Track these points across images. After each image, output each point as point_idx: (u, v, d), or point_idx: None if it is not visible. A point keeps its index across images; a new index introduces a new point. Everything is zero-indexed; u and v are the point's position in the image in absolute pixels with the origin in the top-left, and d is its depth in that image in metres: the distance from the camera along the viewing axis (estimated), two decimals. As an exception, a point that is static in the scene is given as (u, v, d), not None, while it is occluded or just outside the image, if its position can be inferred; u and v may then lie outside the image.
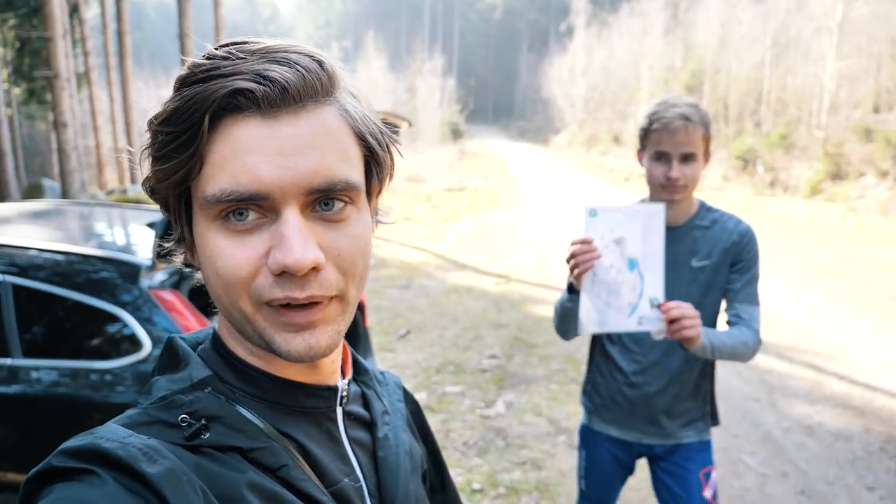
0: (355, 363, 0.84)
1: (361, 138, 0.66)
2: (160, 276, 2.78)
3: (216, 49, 0.62)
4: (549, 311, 7.76)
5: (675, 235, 2.05)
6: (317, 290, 0.62)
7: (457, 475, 4.05)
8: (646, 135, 2.01)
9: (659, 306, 1.78)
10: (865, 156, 19.85)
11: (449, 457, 4.29)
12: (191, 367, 0.67)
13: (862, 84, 24.54)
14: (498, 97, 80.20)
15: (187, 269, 0.72)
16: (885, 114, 22.97)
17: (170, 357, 0.69)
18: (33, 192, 14.16)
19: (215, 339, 0.72)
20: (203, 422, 0.61)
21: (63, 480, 0.53)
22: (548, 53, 56.57)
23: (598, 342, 2.27)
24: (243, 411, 0.65)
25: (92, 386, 2.64)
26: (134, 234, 3.35)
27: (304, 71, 0.60)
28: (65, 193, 12.21)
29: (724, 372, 5.73)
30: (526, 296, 8.48)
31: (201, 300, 2.96)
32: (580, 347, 6.47)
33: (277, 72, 0.59)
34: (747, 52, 29.79)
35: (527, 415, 4.93)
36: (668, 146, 1.93)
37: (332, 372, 0.75)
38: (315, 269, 0.61)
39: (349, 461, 0.74)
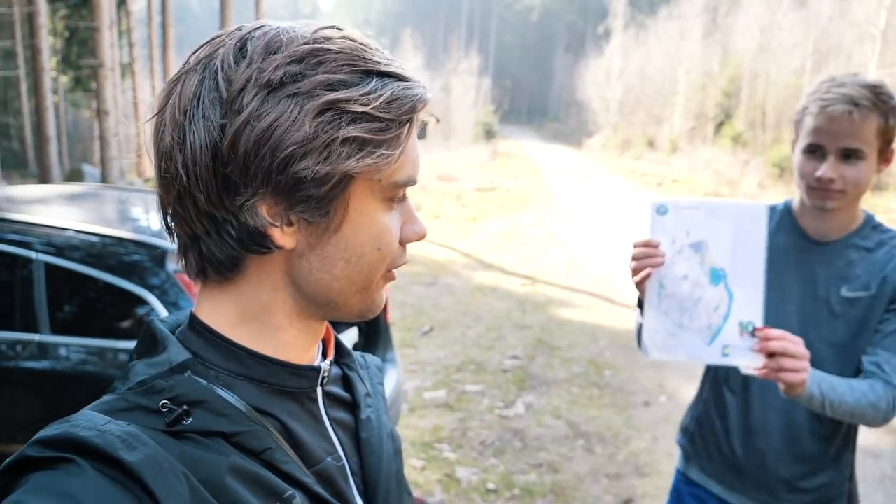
0: (338, 345, 0.84)
1: None
2: (186, 261, 2.85)
3: (354, 35, 0.67)
4: (573, 314, 7.73)
5: (824, 254, 1.63)
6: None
7: (472, 474, 4.06)
8: (800, 120, 1.60)
9: (753, 332, 1.38)
10: (908, 168, 19.35)
11: (465, 455, 4.30)
12: (169, 350, 0.66)
13: (907, 94, 23.87)
14: (532, 98, 79.92)
15: (225, 238, 0.65)
16: (930, 125, 22.34)
17: (148, 341, 0.68)
18: (74, 177, 14.53)
19: (193, 320, 0.70)
20: (185, 407, 0.61)
21: (39, 469, 0.53)
22: (584, 55, 56.22)
23: (710, 371, 1.87)
24: (224, 394, 0.64)
25: (118, 365, 2.71)
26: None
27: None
28: (104, 179, 12.50)
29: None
30: (551, 298, 8.44)
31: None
32: (603, 352, 6.43)
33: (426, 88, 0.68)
34: (787, 59, 29.24)
35: (546, 417, 4.92)
36: (823, 137, 1.51)
37: (317, 348, 0.77)
38: None
39: (331, 440, 0.74)
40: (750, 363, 1.38)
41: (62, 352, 2.75)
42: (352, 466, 0.75)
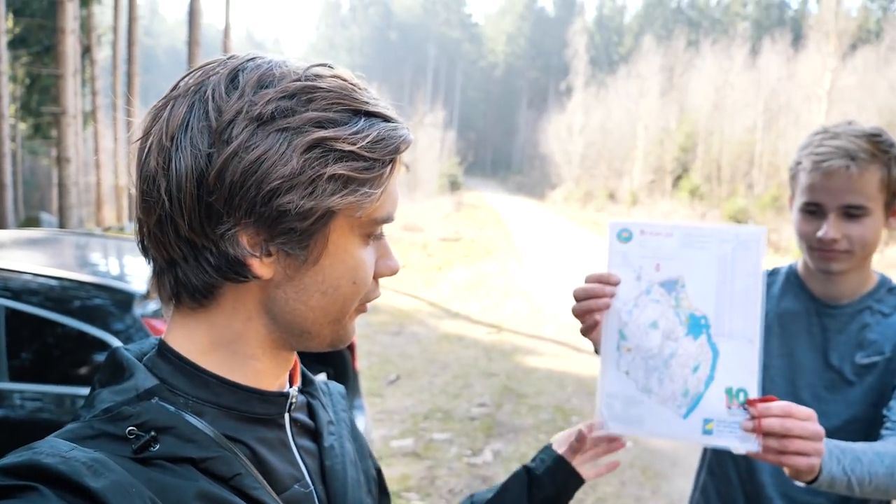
0: (302, 373, 0.85)
1: None
2: (153, 305, 2.81)
3: (340, 74, 0.68)
4: (539, 362, 7.75)
5: (836, 318, 1.48)
6: None
7: (441, 523, 3.98)
8: (794, 176, 1.46)
9: (746, 404, 1.03)
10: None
11: None
12: (136, 377, 0.65)
13: (852, 151, 25.01)
14: (497, 151, 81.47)
15: (202, 266, 0.65)
16: (875, 180, 23.36)
17: (112, 368, 0.67)
18: (31, 225, 14.22)
19: (163, 346, 0.70)
20: (152, 433, 0.60)
21: (3, 498, 0.51)
22: (546, 111, 57.75)
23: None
24: (193, 420, 0.64)
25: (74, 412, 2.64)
26: (129, 265, 3.38)
27: None
28: (62, 227, 12.26)
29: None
30: (517, 346, 8.46)
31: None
32: (570, 398, 6.44)
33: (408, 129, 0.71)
34: (740, 116, 30.51)
35: (514, 464, 4.87)
36: (820, 195, 1.37)
37: (285, 379, 0.77)
38: None
39: (299, 467, 0.74)
40: (742, 444, 1.02)
41: (19, 399, 2.66)
42: (319, 494, 0.75)
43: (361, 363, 7.25)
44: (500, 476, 4.65)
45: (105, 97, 20.27)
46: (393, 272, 0.75)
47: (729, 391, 1.04)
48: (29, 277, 2.81)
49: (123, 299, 2.75)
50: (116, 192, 20.01)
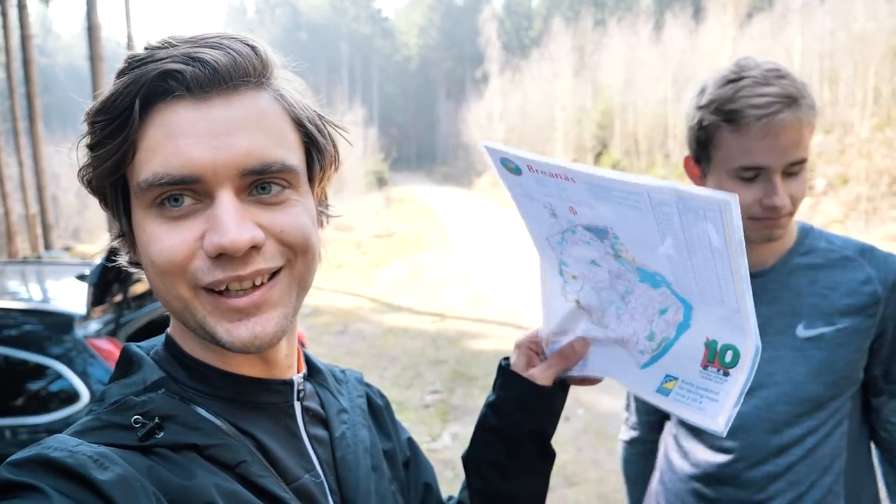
0: (308, 362, 0.83)
1: (299, 123, 0.67)
2: (95, 325, 2.74)
3: (150, 42, 0.64)
4: (485, 345, 7.88)
5: (763, 290, 1.25)
6: (262, 264, 0.62)
7: (408, 509, 4.04)
8: (709, 136, 1.19)
9: (728, 371, 0.72)
10: (767, 180, 21.20)
11: (422, 456, 4.29)
12: (144, 370, 0.66)
13: (757, 114, 26.29)
14: (420, 144, 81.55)
15: (134, 269, 0.71)
16: (779, 140, 24.62)
17: (123, 364, 0.68)
18: (-63, 264, 13.34)
19: (168, 340, 0.71)
20: (157, 421, 0.60)
21: (6, 499, 0.52)
22: (465, 100, 58.15)
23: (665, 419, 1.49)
24: (198, 409, 0.64)
25: (21, 444, 2.55)
26: (63, 288, 3.28)
27: (235, 53, 0.61)
28: (-27, 264, 11.58)
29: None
30: (462, 332, 8.58)
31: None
32: (519, 376, 6.60)
33: (208, 54, 0.60)
34: (651, 90, 31.55)
35: (472, 444, 4.98)
36: (767, 156, 1.12)
37: (288, 366, 0.74)
38: (255, 248, 0.61)
39: (309, 457, 0.73)
40: (706, 420, 0.74)
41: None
42: (330, 484, 0.73)
43: (309, 366, 7.20)
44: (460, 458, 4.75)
45: (3, 122, 19.20)
46: (217, 248, 0.59)
47: (711, 346, 0.73)
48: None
49: (63, 322, 2.68)
50: (28, 222, 19.01)
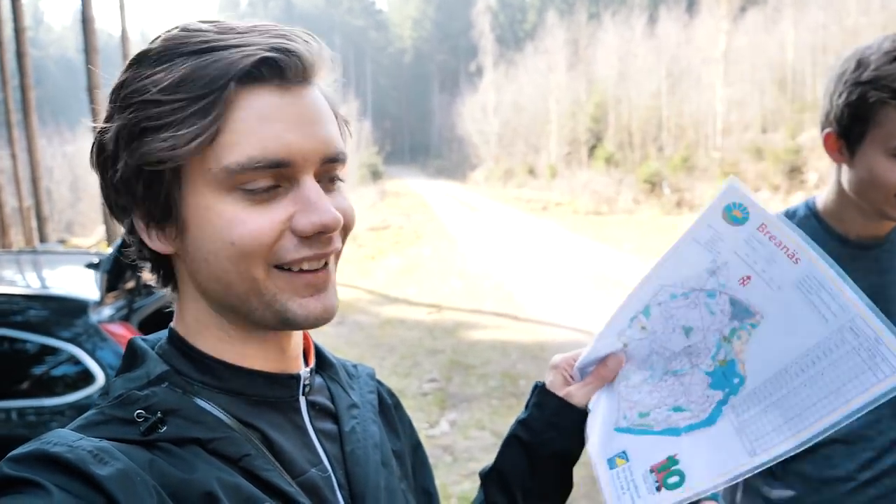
0: (319, 355, 0.82)
1: (338, 118, 0.71)
2: (108, 310, 2.83)
3: (199, 23, 0.64)
4: (482, 335, 8.00)
5: (876, 259, 1.30)
6: (337, 245, 0.67)
7: (409, 492, 4.16)
8: (868, 113, 1.17)
9: (658, 487, 0.78)
10: (759, 172, 21.42)
11: (425, 459, 4.40)
12: (147, 364, 0.66)
13: (749, 108, 26.46)
14: (414, 137, 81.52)
15: (141, 263, 0.71)
16: (771, 133, 24.85)
17: (129, 358, 0.68)
18: (-67, 257, 13.34)
19: (172, 334, 0.70)
20: (159, 415, 0.60)
21: (7, 494, 0.51)
22: (459, 93, 58.11)
23: None
24: (202, 403, 0.64)
25: (42, 426, 2.64)
26: (71, 276, 3.36)
27: (313, 49, 0.64)
28: (-30, 256, 11.59)
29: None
30: (459, 322, 8.69)
31: (151, 331, 3.02)
32: (515, 364, 6.71)
33: (296, 46, 0.62)
34: (645, 83, 31.65)
35: (471, 430, 5.09)
36: None
37: (295, 358, 0.74)
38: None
39: (316, 451, 0.71)
40: None
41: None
42: (339, 479, 0.72)
43: (308, 356, 7.30)
44: (459, 443, 4.86)
45: (-2, 114, 19.13)
46: (316, 227, 0.63)
47: (671, 461, 0.77)
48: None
49: (78, 307, 2.76)
50: (22, 214, 18.99)
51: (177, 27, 0.64)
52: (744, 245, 0.75)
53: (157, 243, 0.65)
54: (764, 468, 0.72)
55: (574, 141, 36.68)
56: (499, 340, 7.68)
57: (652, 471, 0.77)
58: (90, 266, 3.26)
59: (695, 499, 0.74)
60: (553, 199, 28.15)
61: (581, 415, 0.87)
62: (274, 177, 0.62)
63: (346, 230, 0.69)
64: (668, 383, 0.81)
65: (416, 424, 3.71)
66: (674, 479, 0.75)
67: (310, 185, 0.63)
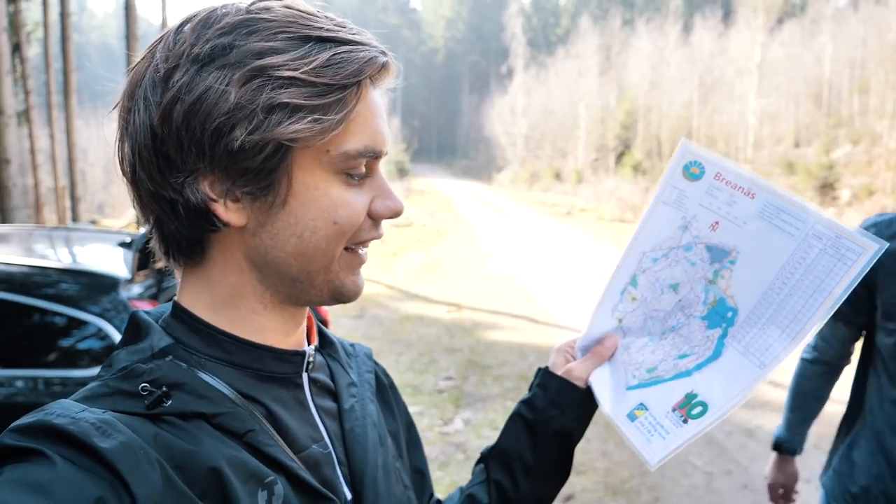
0: (321, 333, 0.83)
1: None
2: (138, 288, 2.91)
3: (303, 3, 0.66)
4: (500, 336, 8.01)
5: None
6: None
7: (420, 485, 4.19)
8: None
9: (684, 419, 0.81)
10: (790, 187, 21.09)
11: (419, 442, 4.44)
12: (151, 336, 0.65)
13: (782, 121, 26.10)
14: (441, 137, 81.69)
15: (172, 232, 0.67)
16: (804, 148, 24.48)
17: (132, 330, 0.67)
18: (-32, 232, 13.69)
19: (176, 306, 0.70)
20: (164, 389, 0.60)
21: (12, 462, 0.52)
22: (489, 94, 58.10)
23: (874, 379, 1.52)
24: (206, 377, 0.64)
25: (65, 396, 2.73)
26: (103, 253, 3.45)
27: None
28: (4, 232, 11.88)
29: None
30: (477, 322, 8.71)
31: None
32: (532, 367, 6.72)
33: (389, 51, 0.68)
34: (677, 92, 31.35)
35: (484, 429, 5.12)
36: None
37: (302, 334, 0.76)
38: None
39: (318, 428, 0.72)
40: (647, 454, 0.81)
41: (14, 384, 2.73)
42: (338, 455, 0.73)
43: (327, 347, 7.37)
44: (472, 442, 4.89)
45: (38, 96, 19.56)
46: (393, 213, 0.70)
47: (690, 396, 0.82)
48: (17, 269, 2.87)
49: (109, 283, 2.85)
50: (57, 194, 19.39)
51: (278, 1, 0.65)
52: (705, 196, 0.85)
53: (232, 214, 0.64)
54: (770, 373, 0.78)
55: (602, 147, 36.48)
56: (516, 342, 7.69)
57: (674, 409, 0.82)
58: (122, 245, 3.35)
59: (720, 420, 0.78)
60: (578, 204, 28.04)
61: (582, 394, 0.91)
62: (367, 165, 0.68)
63: None
64: (668, 339, 0.87)
65: (430, 421, 3.76)
66: (697, 410, 0.80)
67: (383, 174, 0.70)
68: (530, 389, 0.97)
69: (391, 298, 10.30)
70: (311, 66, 0.60)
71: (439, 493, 4.17)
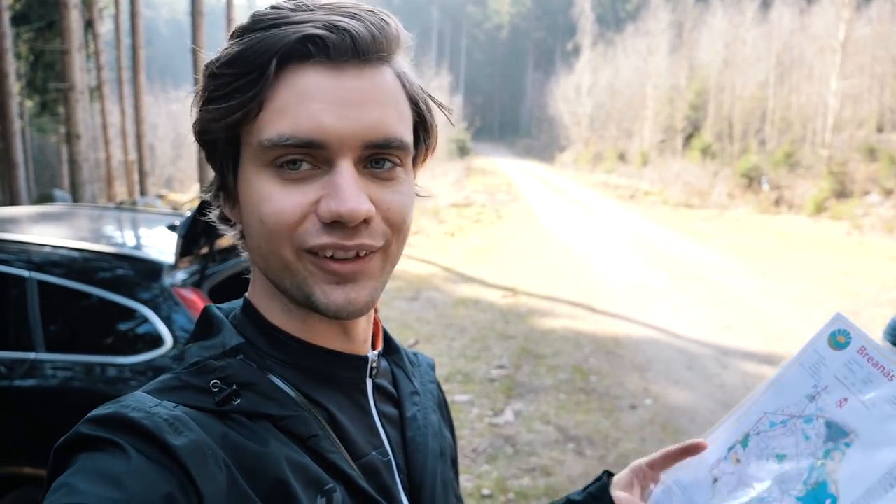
0: (387, 339, 0.82)
1: (414, 103, 0.68)
2: (182, 275, 2.85)
3: (286, 3, 0.64)
4: (556, 323, 7.81)
5: None
6: (367, 240, 0.62)
7: (466, 481, 4.08)
8: None
9: None
10: (870, 174, 19.91)
11: (459, 463, 4.33)
12: (223, 334, 0.66)
13: (865, 103, 24.67)
14: (504, 115, 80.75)
15: (222, 225, 0.71)
16: (888, 133, 23.07)
17: (204, 325, 0.69)
18: (45, 201, 14.31)
19: (246, 305, 0.71)
20: (234, 388, 0.61)
21: (88, 451, 0.53)
22: (554, 72, 56.97)
23: None
24: (275, 380, 0.64)
25: (109, 381, 2.70)
26: (154, 236, 3.43)
27: (373, 27, 0.62)
28: (76, 203, 12.33)
29: (705, 379, 5.75)
30: (533, 308, 8.52)
31: (220, 299, 3.03)
32: (588, 358, 6.51)
33: (349, 24, 0.60)
34: (752, 72, 29.99)
35: (535, 423, 4.96)
36: None
37: (364, 341, 0.74)
38: (365, 222, 0.62)
39: (378, 434, 0.72)
40: None
41: (57, 369, 2.73)
42: (398, 463, 0.73)
43: (379, 329, 7.34)
44: (522, 435, 4.74)
45: (110, 71, 20.19)
46: (333, 215, 0.60)
47: None
48: (64, 252, 2.86)
49: (152, 269, 2.80)
50: (126, 168, 20.06)
51: (273, 4, 0.65)
52: (843, 368, 0.79)
53: (226, 209, 0.67)
54: None
55: (669, 128, 35.28)
56: (572, 331, 7.47)
57: None
58: (171, 228, 3.31)
59: None
60: (642, 187, 27.25)
61: None
62: (309, 158, 0.61)
63: (391, 226, 0.65)
64: None
65: (480, 411, 3.64)
66: None
67: (343, 170, 0.61)
68: (584, 489, 0.92)
69: (446, 280, 10.20)
70: (224, 60, 0.61)
71: (487, 489, 4.07)
